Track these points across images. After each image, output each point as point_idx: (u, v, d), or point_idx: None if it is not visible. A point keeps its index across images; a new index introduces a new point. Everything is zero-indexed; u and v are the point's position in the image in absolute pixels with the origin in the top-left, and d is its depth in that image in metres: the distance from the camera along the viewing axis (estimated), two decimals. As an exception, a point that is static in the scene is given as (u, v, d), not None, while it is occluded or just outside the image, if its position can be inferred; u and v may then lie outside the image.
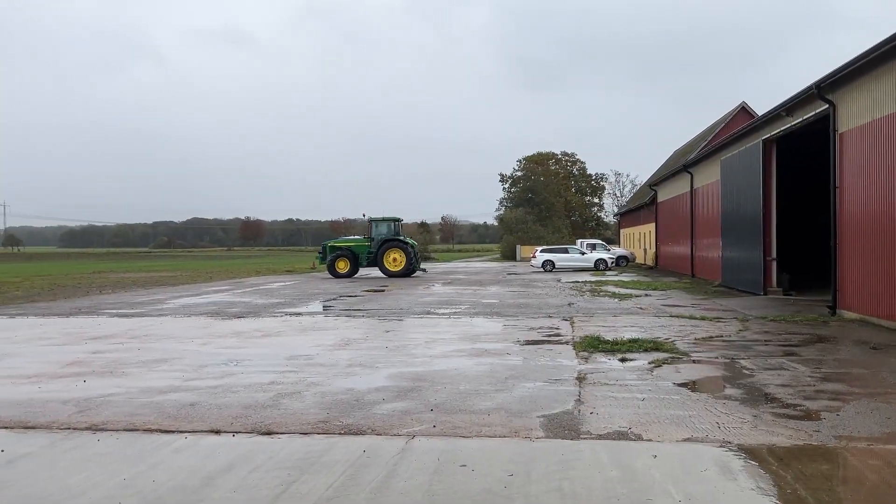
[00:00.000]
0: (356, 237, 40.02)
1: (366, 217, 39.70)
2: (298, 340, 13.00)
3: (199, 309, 19.48)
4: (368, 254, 37.79)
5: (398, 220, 39.52)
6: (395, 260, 37.74)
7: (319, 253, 39.03)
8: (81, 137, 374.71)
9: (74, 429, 6.88)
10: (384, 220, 39.23)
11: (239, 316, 17.48)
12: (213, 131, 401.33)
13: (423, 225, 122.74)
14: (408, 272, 37.93)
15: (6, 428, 6.95)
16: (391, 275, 37.34)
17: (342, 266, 37.29)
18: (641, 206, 53.47)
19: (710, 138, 41.78)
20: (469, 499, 4.89)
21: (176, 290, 27.55)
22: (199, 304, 20.98)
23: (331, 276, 37.30)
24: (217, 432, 6.70)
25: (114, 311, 19.14)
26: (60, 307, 20.38)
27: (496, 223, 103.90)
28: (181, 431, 6.73)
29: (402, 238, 39.00)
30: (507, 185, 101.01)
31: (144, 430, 6.79)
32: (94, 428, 6.89)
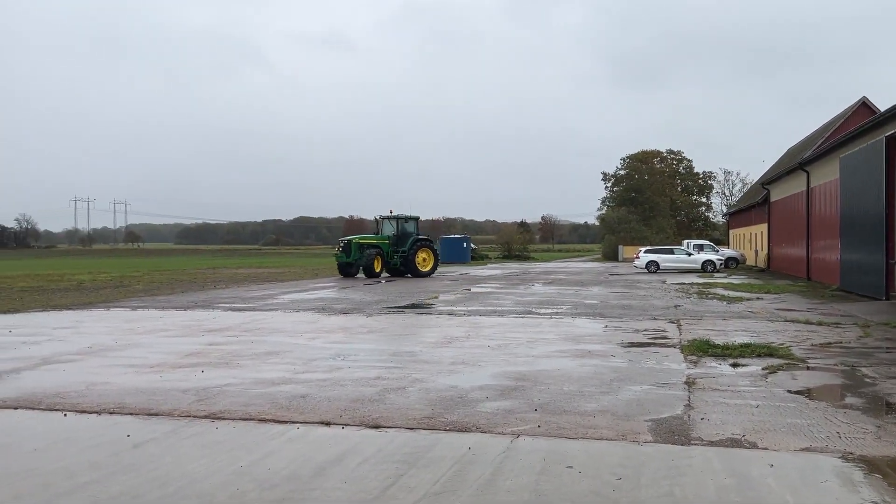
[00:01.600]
0: (377, 235, 36.80)
1: (393, 213, 37.03)
2: (402, 337, 13.21)
3: (306, 304, 20.10)
4: (401, 253, 35.70)
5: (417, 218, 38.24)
6: (424, 260, 36.31)
7: (341, 250, 35.34)
8: (196, 139, 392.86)
9: (194, 417, 7.23)
10: (410, 218, 37.20)
11: (344, 312, 17.91)
12: (318, 132, 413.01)
13: (522, 224, 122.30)
14: (433, 272, 36.89)
15: (132, 414, 7.37)
16: (420, 275, 35.72)
17: (377, 265, 34.99)
18: (753, 206, 51.45)
19: (827, 135, 39.76)
20: (576, 500, 4.85)
21: (285, 286, 28.50)
22: (306, 300, 21.64)
23: (356, 277, 35.12)
24: (327, 424, 6.90)
25: (227, 305, 20.00)
26: (178, 301, 21.46)
27: (597, 223, 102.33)
28: (293, 422, 6.97)
29: (429, 238, 37.98)
30: (609, 184, 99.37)
31: (259, 420, 7.07)
32: (213, 416, 7.22)
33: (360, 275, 35.73)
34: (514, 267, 54.17)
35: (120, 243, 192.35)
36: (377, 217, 37.64)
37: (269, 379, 9.14)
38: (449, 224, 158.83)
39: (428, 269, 36.43)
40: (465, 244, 67.65)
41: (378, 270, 34.95)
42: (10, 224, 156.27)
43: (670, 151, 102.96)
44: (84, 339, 12.85)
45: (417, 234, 36.97)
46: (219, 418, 7.15)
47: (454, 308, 18.92)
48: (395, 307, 19.19)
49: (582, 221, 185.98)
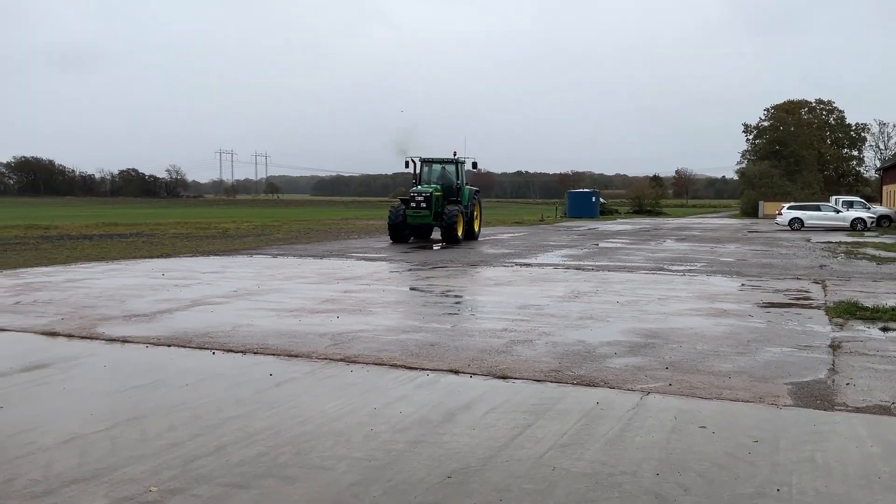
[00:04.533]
0: (436, 185, 26.65)
1: (456, 155, 27.33)
2: (529, 290, 13.19)
3: (433, 256, 20.41)
4: (465, 208, 26.63)
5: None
6: (476, 217, 28.02)
7: (422, 204, 25.27)
8: (330, 94, 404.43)
9: (330, 359, 7.56)
10: (461, 161, 27.22)
11: (472, 265, 18.08)
12: (443, 86, 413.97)
13: (655, 178, 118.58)
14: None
15: (274, 355, 7.79)
16: (472, 237, 27.32)
17: (460, 226, 25.70)
18: (911, 160, 47.43)
19: None
20: (709, 460, 4.73)
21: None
22: (433, 252, 21.97)
23: (437, 241, 26.40)
24: (455, 372, 7.03)
25: (360, 254, 20.63)
26: (314, 249, 22.34)
27: (736, 177, 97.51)
28: (423, 369, 7.15)
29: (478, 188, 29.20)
30: (750, 137, 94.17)
31: (391, 365, 7.30)
32: (348, 360, 7.52)
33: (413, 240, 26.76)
34: (645, 222, 52.77)
35: (261, 194, 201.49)
36: (412, 158, 27.19)
37: (399, 327, 9.40)
38: (577, 178, 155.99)
39: (477, 228, 28.35)
40: (593, 198, 66.40)
41: (460, 233, 25.59)
42: (162, 174, 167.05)
43: (819, 101, 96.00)
44: (229, 284, 13.62)
45: (466, 184, 27.73)
46: (353, 362, 7.44)
47: (582, 263, 18.68)
48: (523, 261, 19.17)
49: (719, 176, 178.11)
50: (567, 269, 17.17)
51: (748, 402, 6.08)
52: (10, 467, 4.57)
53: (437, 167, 27.46)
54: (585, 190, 73.37)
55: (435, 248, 23.42)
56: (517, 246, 25.02)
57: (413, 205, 25.52)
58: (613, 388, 6.50)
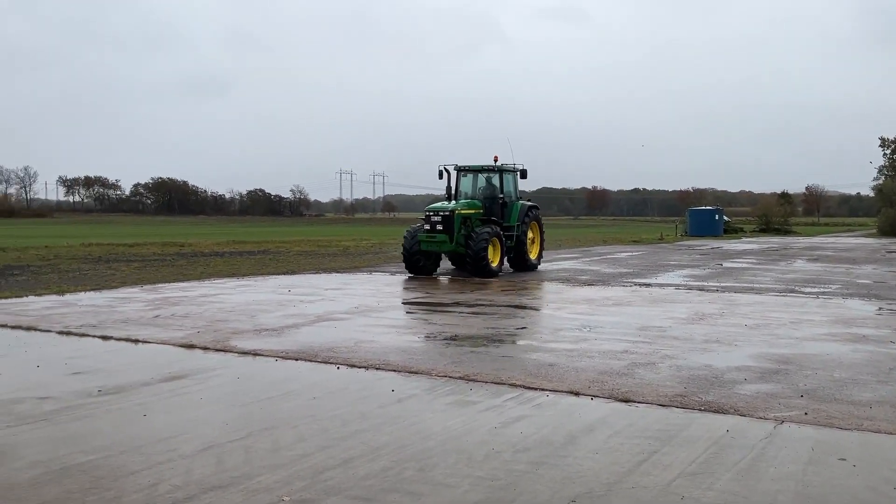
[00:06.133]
0: (470, 201, 20.20)
1: (497, 161, 20.85)
2: (649, 311, 12.87)
3: (550, 275, 20.23)
4: (507, 231, 20.11)
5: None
6: (532, 241, 21.50)
7: (439, 227, 18.99)
8: (444, 113, 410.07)
9: (450, 377, 7.63)
10: (512, 171, 21.22)
11: (589, 283, 17.82)
12: (558, 104, 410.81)
13: (784, 195, 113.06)
14: (539, 261, 21.90)
15: (395, 371, 7.95)
16: (527, 267, 20.94)
17: (496, 253, 19.28)
18: None
19: None
20: (851, 494, 4.46)
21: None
22: (550, 271, 21.78)
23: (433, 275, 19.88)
24: (576, 394, 6.95)
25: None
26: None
27: (872, 194, 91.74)
28: (542, 389, 7.11)
29: (537, 204, 22.43)
30: (888, 151, 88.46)
31: (510, 385, 7.29)
32: (467, 378, 7.57)
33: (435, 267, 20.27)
34: (773, 241, 50.38)
35: (378, 213, 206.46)
36: (446, 167, 20.87)
37: (518, 346, 9.39)
38: (698, 195, 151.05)
39: (535, 255, 21.68)
40: (716, 216, 63.97)
41: (496, 264, 19.24)
42: (287, 194, 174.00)
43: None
44: (351, 300, 14.01)
45: (518, 198, 21.53)
46: (472, 380, 7.48)
47: (705, 283, 18.05)
48: (642, 281, 18.73)
49: (853, 192, 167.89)
50: (689, 289, 16.64)
51: (892, 434, 5.70)
52: (153, 472, 4.88)
53: (481, 178, 21.29)
54: (708, 207, 70.93)
55: (564, 262, 23.19)
56: (635, 265, 24.46)
57: (427, 227, 19.39)
58: (744, 415, 6.24)
